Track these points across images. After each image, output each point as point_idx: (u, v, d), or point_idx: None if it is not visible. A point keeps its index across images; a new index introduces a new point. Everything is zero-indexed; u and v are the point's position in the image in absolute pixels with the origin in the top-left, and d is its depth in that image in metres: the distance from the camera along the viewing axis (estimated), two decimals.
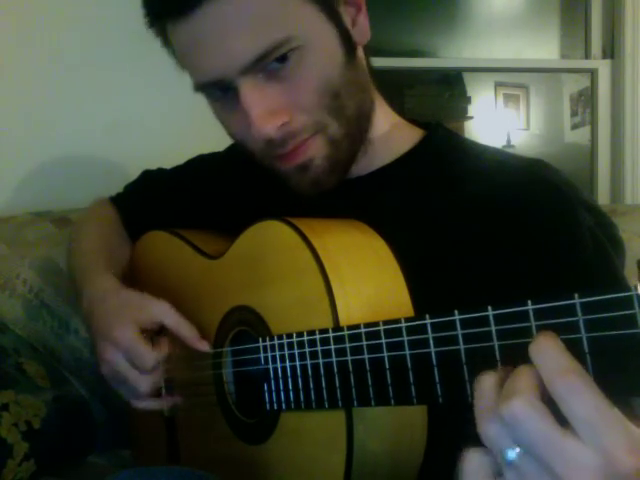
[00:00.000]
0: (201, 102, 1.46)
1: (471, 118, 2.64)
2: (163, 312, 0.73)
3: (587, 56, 2.02)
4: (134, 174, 1.02)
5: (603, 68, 1.96)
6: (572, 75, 2.33)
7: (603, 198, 1.96)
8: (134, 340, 0.71)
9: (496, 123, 2.67)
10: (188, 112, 1.40)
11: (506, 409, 0.36)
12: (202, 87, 0.66)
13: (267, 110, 0.63)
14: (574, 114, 2.36)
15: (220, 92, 0.66)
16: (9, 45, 1.28)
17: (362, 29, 0.68)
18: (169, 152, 1.03)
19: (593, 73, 1.99)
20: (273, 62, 0.62)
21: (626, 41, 1.89)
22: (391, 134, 0.74)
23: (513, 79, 2.64)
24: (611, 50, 1.96)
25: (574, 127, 2.37)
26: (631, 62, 1.89)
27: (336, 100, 0.65)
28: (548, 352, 0.36)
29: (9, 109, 1.28)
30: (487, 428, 0.38)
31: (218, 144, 0.94)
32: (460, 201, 0.67)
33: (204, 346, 0.72)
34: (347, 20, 0.67)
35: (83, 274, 0.85)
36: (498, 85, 2.64)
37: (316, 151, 0.66)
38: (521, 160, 0.71)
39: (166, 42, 0.69)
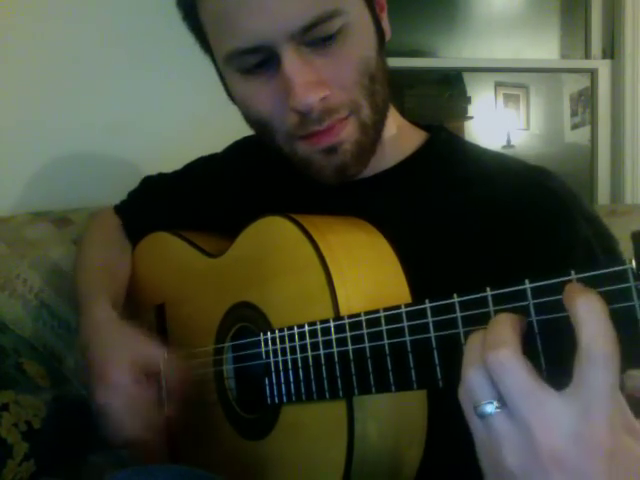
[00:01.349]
0: (201, 103, 1.47)
1: (471, 118, 2.64)
2: (156, 359, 0.74)
3: (587, 56, 2.02)
4: (134, 174, 1.02)
5: (603, 68, 1.96)
6: (572, 75, 2.32)
7: (603, 198, 1.96)
8: (131, 385, 0.72)
9: (496, 123, 2.67)
10: (188, 113, 1.40)
11: (493, 356, 0.37)
12: (238, 54, 0.62)
13: (310, 81, 0.61)
14: (574, 114, 2.35)
15: (255, 63, 0.63)
16: (9, 45, 1.28)
17: (386, 27, 0.69)
18: (169, 152, 1.03)
19: (593, 73, 1.99)
20: (319, 36, 0.61)
21: (626, 41, 1.89)
22: (397, 136, 0.75)
23: (513, 79, 2.63)
24: (611, 50, 1.96)
25: (574, 127, 2.36)
26: (631, 62, 1.89)
27: (372, 83, 0.65)
28: (598, 314, 0.36)
29: (9, 109, 1.28)
30: (470, 377, 0.39)
31: (219, 144, 0.95)
32: (461, 203, 0.68)
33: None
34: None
35: (79, 304, 0.86)
36: (498, 85, 2.64)
37: (348, 135, 0.65)
38: (522, 165, 0.72)
39: (190, 13, 0.66)
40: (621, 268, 0.35)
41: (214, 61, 0.70)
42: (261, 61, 0.62)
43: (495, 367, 0.37)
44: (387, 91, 0.69)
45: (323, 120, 0.63)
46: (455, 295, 0.45)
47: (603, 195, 1.97)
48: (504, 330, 0.38)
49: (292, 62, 0.60)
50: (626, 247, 0.67)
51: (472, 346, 0.40)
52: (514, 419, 0.37)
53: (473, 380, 0.39)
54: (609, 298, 0.36)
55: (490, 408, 0.38)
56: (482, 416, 0.38)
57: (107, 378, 0.72)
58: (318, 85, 0.62)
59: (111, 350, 0.74)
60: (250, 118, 0.69)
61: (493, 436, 0.38)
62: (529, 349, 0.39)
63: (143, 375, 0.74)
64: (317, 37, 0.61)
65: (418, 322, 0.48)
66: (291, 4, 0.59)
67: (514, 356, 0.37)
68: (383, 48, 0.68)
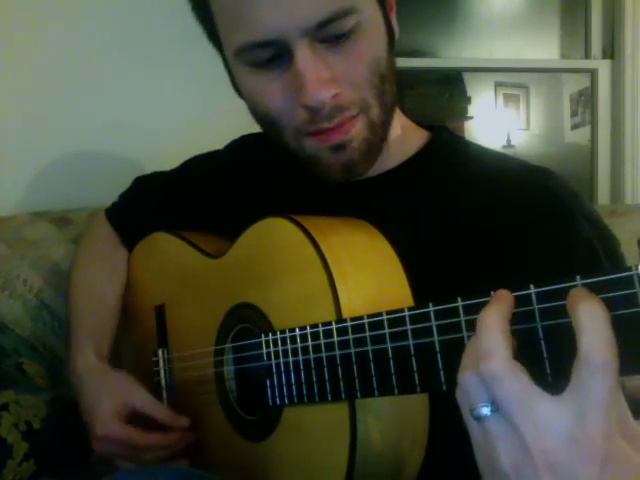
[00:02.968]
0: (201, 102, 1.46)
1: (471, 118, 2.64)
2: (136, 401, 0.77)
3: (587, 56, 2.02)
4: (134, 174, 1.01)
5: (603, 68, 1.96)
6: (572, 75, 2.32)
7: (603, 198, 1.96)
8: (119, 434, 0.75)
9: (496, 123, 2.67)
10: (188, 112, 1.40)
11: (485, 367, 0.38)
12: (250, 48, 0.61)
13: (323, 77, 0.61)
14: (574, 114, 2.36)
15: (266, 57, 0.62)
16: (9, 45, 1.28)
17: (395, 26, 0.69)
18: (169, 152, 1.03)
19: (593, 73, 1.99)
20: (332, 33, 0.60)
21: (626, 41, 1.89)
22: (401, 136, 0.75)
23: (513, 79, 2.64)
24: (611, 50, 1.96)
25: (574, 127, 2.36)
26: (631, 62, 1.89)
27: (382, 83, 0.65)
28: (600, 321, 0.36)
29: (9, 109, 1.28)
30: (466, 381, 0.40)
31: (218, 144, 0.94)
32: (462, 204, 0.68)
33: (183, 421, 0.76)
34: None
35: (70, 340, 0.88)
36: (498, 85, 2.64)
37: (356, 132, 0.65)
38: (524, 165, 0.72)
39: (200, 3, 0.66)
40: (627, 274, 0.35)
41: (222, 54, 0.69)
42: (272, 56, 0.62)
43: (487, 378, 0.38)
44: (395, 91, 0.68)
45: (333, 117, 0.63)
46: (459, 299, 0.45)
47: (603, 195, 1.97)
48: (492, 338, 0.39)
49: (305, 58, 0.60)
50: (626, 248, 0.67)
51: (469, 350, 0.41)
52: (507, 422, 0.38)
53: (468, 384, 0.40)
54: (614, 304, 0.36)
55: (485, 411, 0.38)
56: (477, 418, 0.39)
57: (96, 430, 0.76)
58: (330, 82, 0.61)
59: (95, 401, 0.77)
60: (258, 113, 0.68)
61: (488, 437, 0.39)
62: (533, 354, 0.39)
63: (133, 417, 0.77)
64: (331, 34, 0.60)
65: (421, 325, 0.48)
66: (307, 0, 0.58)
67: (505, 366, 0.37)
68: (393, 48, 0.67)
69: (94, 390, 0.79)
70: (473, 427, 0.40)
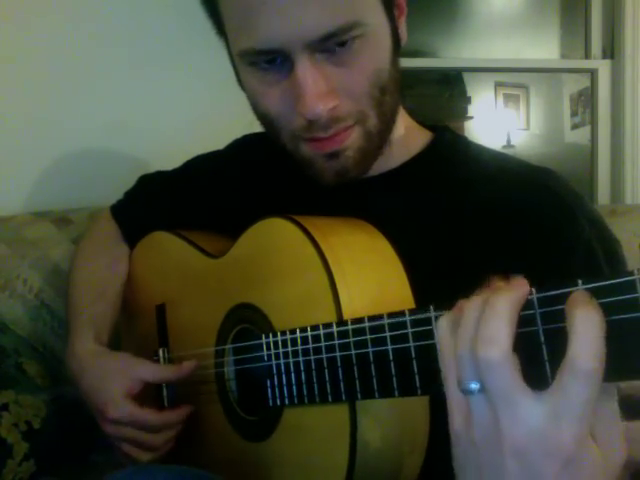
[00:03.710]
0: (202, 102, 1.46)
1: (471, 118, 2.64)
2: (142, 373, 0.76)
3: (587, 56, 2.02)
4: (134, 174, 1.01)
5: (603, 68, 1.96)
6: (572, 75, 2.32)
7: (603, 198, 1.96)
8: (133, 414, 0.73)
9: (496, 123, 2.67)
10: (189, 112, 1.40)
11: (483, 353, 0.38)
12: (253, 54, 0.62)
13: (322, 90, 0.61)
14: (574, 114, 2.36)
15: (267, 62, 0.63)
16: (9, 45, 1.28)
17: (403, 32, 0.69)
18: (169, 152, 1.03)
19: (593, 73, 1.99)
20: (335, 45, 0.60)
21: (626, 41, 1.89)
22: (404, 136, 0.75)
23: (513, 79, 2.64)
24: (611, 50, 1.96)
25: (574, 127, 2.36)
26: (631, 62, 1.89)
27: (382, 94, 0.65)
28: (593, 330, 0.36)
29: (9, 109, 1.28)
30: (461, 354, 0.40)
31: (220, 143, 0.94)
32: (463, 204, 0.68)
33: (189, 367, 0.75)
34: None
35: (69, 328, 0.87)
36: (498, 85, 2.64)
37: (351, 142, 0.65)
38: (526, 166, 0.72)
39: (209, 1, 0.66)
40: (628, 278, 0.35)
41: (228, 49, 0.69)
42: (274, 62, 0.62)
43: (482, 364, 0.39)
44: (397, 98, 0.68)
45: (329, 127, 0.63)
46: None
47: (603, 195, 1.97)
48: (497, 325, 0.39)
49: (305, 70, 0.60)
50: (626, 248, 0.67)
51: (469, 323, 0.41)
52: (490, 405, 0.39)
53: (463, 358, 0.40)
54: (615, 309, 0.36)
55: (473, 387, 0.39)
56: (464, 391, 0.40)
57: (108, 413, 0.74)
58: (328, 95, 0.61)
59: (103, 385, 0.76)
60: (258, 112, 0.69)
61: (470, 410, 0.40)
62: (534, 357, 0.39)
63: (144, 393, 0.75)
64: (333, 47, 0.60)
65: (422, 328, 0.48)
66: (312, 14, 0.58)
67: (502, 358, 0.38)
68: (398, 55, 0.67)
69: (99, 374, 0.77)
70: (456, 394, 0.41)
